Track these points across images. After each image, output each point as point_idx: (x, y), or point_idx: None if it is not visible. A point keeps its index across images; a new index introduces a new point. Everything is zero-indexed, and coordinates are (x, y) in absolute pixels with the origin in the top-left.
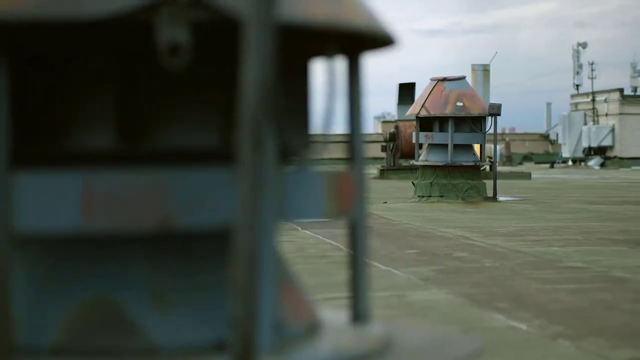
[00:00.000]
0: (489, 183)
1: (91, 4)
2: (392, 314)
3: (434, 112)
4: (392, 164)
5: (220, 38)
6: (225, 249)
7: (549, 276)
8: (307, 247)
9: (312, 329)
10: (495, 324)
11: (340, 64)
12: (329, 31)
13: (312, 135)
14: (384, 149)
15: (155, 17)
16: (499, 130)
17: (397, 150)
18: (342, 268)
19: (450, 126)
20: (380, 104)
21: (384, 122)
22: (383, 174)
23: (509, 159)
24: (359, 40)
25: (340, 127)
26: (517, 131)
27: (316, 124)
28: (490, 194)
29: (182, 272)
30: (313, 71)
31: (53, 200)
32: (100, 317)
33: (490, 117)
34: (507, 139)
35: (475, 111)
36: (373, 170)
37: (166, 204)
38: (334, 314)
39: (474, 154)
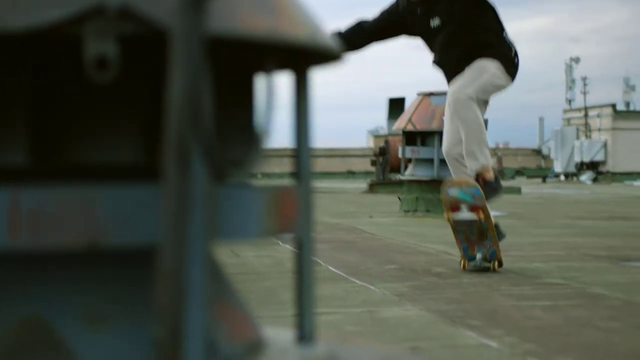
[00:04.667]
0: None
1: (18, 16)
2: (360, 331)
3: (421, 127)
4: (381, 178)
5: (146, 50)
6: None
7: (526, 292)
8: (285, 261)
9: (253, 349)
10: (466, 342)
11: (287, 78)
12: (267, 44)
13: (252, 151)
14: (373, 163)
15: (82, 30)
16: (492, 145)
17: (387, 165)
18: (320, 283)
19: (436, 141)
20: (375, 119)
21: (376, 136)
22: (372, 188)
23: (501, 174)
24: (303, 55)
25: (288, 141)
26: (510, 146)
27: (258, 139)
28: None
29: (114, 292)
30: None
31: None
32: (30, 338)
33: None
34: (499, 153)
35: None
36: (363, 185)
37: (95, 221)
38: (280, 334)
39: None
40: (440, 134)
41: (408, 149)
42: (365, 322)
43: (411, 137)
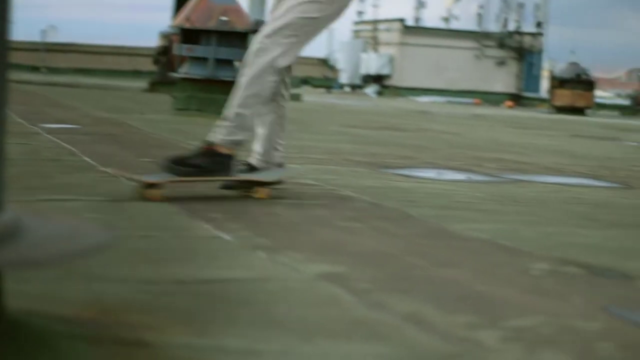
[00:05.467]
0: None
1: None
2: (96, 218)
3: (198, 25)
4: (162, 77)
5: None
6: None
7: (272, 191)
8: (42, 150)
9: None
10: (200, 233)
11: None
12: None
13: None
14: (156, 62)
15: None
16: None
17: (169, 64)
18: (71, 172)
19: (213, 40)
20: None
21: (164, 36)
22: (153, 87)
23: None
24: None
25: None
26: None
27: None
28: None
29: None
30: None
31: None
32: None
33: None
34: None
35: (239, 26)
36: (143, 84)
37: None
38: None
39: (236, 70)
40: (217, 33)
41: (184, 46)
42: (105, 210)
43: (188, 35)
